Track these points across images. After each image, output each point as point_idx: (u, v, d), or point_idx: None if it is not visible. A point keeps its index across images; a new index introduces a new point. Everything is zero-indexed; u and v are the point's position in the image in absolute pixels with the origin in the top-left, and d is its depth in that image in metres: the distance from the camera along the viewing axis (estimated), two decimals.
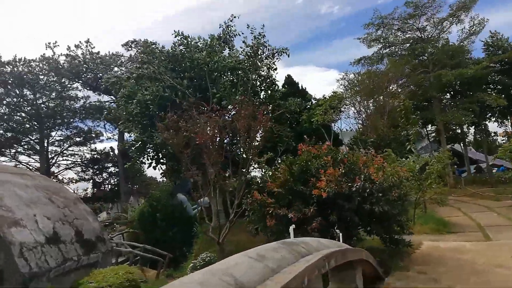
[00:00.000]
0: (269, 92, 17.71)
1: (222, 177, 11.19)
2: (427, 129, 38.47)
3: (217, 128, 10.81)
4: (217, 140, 10.72)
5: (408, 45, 30.40)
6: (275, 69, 17.40)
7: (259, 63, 16.41)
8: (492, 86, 30.09)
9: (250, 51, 16.13)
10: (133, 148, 16.64)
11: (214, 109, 11.98)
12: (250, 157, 11.20)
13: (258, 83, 17.33)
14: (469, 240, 11.85)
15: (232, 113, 12.93)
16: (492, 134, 49.18)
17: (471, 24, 29.20)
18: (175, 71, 16.14)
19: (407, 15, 29.39)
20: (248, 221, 9.65)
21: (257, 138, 11.38)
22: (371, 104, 28.48)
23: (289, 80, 41.19)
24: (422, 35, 29.87)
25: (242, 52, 16.69)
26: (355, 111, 29.22)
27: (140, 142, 15.93)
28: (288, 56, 17.17)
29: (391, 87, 28.27)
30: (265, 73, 17.44)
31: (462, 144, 36.18)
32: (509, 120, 31.21)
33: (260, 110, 10.75)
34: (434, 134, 37.86)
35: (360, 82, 27.66)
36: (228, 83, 15.29)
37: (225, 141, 13.51)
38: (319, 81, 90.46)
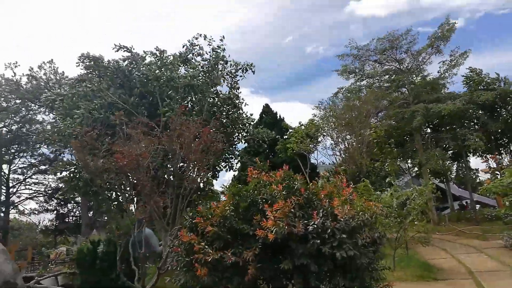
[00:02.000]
0: (231, 115, 15.69)
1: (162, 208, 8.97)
2: (409, 164, 37.19)
3: (151, 149, 8.69)
4: (147, 163, 8.58)
5: (387, 76, 29.38)
6: (238, 88, 15.55)
7: (218, 80, 14.53)
8: (474, 121, 29.08)
9: (207, 65, 14.33)
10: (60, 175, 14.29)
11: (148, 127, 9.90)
12: (190, 185, 9.04)
13: (219, 104, 15.35)
14: None
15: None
16: (474, 171, 48.38)
17: (452, 57, 28.58)
18: (123, 87, 14.14)
19: (383, 48, 28.61)
20: (175, 270, 7.32)
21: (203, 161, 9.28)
22: (349, 136, 26.99)
23: (267, 109, 39.91)
24: (401, 66, 28.99)
25: (198, 67, 14.83)
26: (333, 142, 27.64)
27: (73, 167, 13.62)
28: (253, 72, 15.42)
29: (370, 120, 26.94)
30: (227, 93, 15.55)
31: (444, 180, 34.74)
32: (491, 157, 29.96)
33: (204, 128, 8.72)
34: (416, 169, 36.54)
35: (337, 114, 26.26)
36: (180, 101, 13.31)
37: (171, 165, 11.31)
38: (303, 117, 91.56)
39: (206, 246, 6.72)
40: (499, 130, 27.33)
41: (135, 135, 8.91)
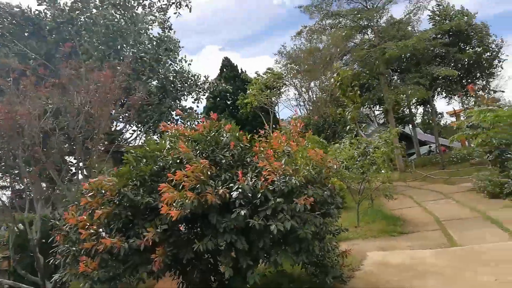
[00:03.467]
0: (166, 62, 13.35)
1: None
2: (375, 111, 36.41)
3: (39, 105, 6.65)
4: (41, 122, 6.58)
5: (352, 16, 27.26)
6: (170, 28, 13.15)
7: (143, 16, 12.07)
8: (440, 60, 28.05)
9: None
10: None
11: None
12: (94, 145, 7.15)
13: (149, 47, 12.96)
14: (428, 246, 8.67)
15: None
16: (439, 115, 48.66)
17: None
18: (34, 35, 11.59)
19: None
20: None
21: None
22: (312, 84, 25.28)
23: (227, 62, 37.31)
24: (367, 4, 26.90)
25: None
26: (296, 92, 25.84)
27: None
28: (190, 10, 13.04)
29: (334, 64, 25.14)
30: (160, 33, 13.10)
31: (410, 126, 34.30)
32: (459, 96, 29.37)
33: (104, 74, 6.67)
34: (382, 116, 35.87)
35: (300, 58, 24.09)
36: (102, 48, 10.97)
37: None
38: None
39: (101, 230, 5.03)
40: (466, 66, 26.66)
41: (25, 88, 6.80)
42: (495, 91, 29.79)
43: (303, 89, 25.43)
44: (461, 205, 12.88)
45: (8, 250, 15.50)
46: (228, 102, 36.94)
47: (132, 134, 13.83)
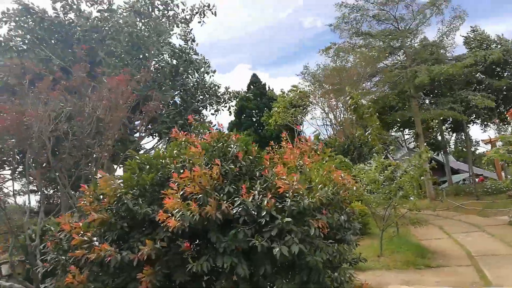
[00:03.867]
0: (194, 73, 13.16)
1: None
2: (405, 135, 35.13)
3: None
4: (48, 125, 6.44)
5: (383, 36, 26.52)
6: (193, 40, 13.01)
7: (166, 26, 11.97)
8: (477, 87, 26.78)
9: (148, 7, 11.70)
10: None
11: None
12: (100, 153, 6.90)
13: (168, 58, 12.79)
14: (458, 283, 7.81)
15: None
16: (474, 143, 46.44)
17: (451, 15, 25.89)
18: (63, 41, 11.77)
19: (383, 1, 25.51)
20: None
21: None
22: (340, 104, 24.62)
23: (254, 79, 37.37)
24: (399, 25, 26.15)
25: (141, 9, 12.19)
26: (323, 111, 25.19)
27: None
28: (215, 15, 12.82)
29: (362, 84, 24.43)
30: (182, 45, 12.99)
31: (442, 153, 32.75)
32: (494, 124, 27.88)
33: (118, 78, 6.48)
34: (412, 140, 34.57)
35: (326, 76, 23.55)
36: (124, 57, 10.95)
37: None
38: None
39: (95, 238, 4.69)
40: (504, 92, 25.37)
41: (39, 91, 6.72)
42: None
43: (329, 109, 24.80)
44: (496, 239, 11.80)
45: (25, 254, 15.57)
46: (254, 119, 36.85)
47: (154, 145, 13.72)
